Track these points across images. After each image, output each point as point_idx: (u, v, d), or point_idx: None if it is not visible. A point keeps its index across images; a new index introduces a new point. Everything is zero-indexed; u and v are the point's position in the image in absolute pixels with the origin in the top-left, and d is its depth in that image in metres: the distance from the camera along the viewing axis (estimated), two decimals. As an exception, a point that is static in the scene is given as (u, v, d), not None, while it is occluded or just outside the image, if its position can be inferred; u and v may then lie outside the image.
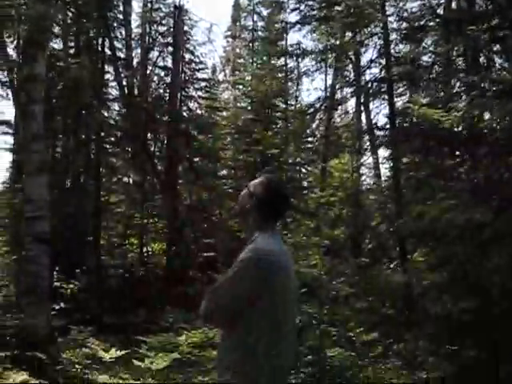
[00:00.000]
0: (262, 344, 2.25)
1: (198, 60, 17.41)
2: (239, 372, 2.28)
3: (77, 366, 7.50)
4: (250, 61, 20.98)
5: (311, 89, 40.53)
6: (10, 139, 18.84)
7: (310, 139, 17.48)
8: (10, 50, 19.74)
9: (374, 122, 14.08)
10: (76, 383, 6.91)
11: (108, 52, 15.86)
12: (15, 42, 14.91)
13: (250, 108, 16.99)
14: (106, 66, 16.19)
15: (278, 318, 2.28)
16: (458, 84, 9.79)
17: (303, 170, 17.95)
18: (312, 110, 13.75)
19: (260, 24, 21.52)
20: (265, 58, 18.00)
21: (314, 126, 16.58)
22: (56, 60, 13.98)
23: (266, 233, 2.37)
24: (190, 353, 7.65)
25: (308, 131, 16.28)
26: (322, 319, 6.20)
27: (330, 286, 7.10)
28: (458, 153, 7.81)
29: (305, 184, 17.88)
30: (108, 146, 16.11)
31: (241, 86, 19.72)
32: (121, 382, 7.23)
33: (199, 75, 17.81)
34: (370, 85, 12.42)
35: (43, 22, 7.20)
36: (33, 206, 7.82)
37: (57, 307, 9.45)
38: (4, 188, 18.80)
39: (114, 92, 16.86)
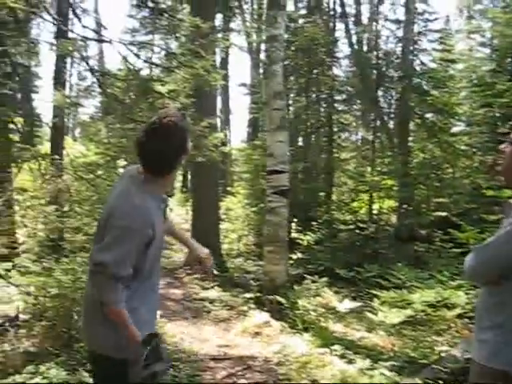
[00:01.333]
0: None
1: (431, 10, 16.46)
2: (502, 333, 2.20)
3: (312, 313, 7.88)
4: (490, 5, 19.21)
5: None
6: (247, 99, 20.22)
7: None
8: (248, 16, 21.07)
9: None
10: (313, 329, 7.28)
11: (338, 9, 15.90)
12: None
13: (491, 57, 15.58)
14: (336, 24, 16.29)
15: None
16: None
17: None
18: None
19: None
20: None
21: None
22: (290, 20, 14.47)
23: None
24: (423, 311, 7.51)
25: None
26: None
27: None
28: None
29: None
30: (339, 104, 16.32)
31: (478, 36, 18.17)
32: (354, 332, 7.43)
33: (432, 26, 16.86)
34: None
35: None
36: (274, 161, 8.32)
37: (294, 257, 10.05)
38: (243, 145, 20.37)
39: (345, 49, 16.89)
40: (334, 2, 15.67)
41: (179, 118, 2.58)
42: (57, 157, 9.16)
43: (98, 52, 33.76)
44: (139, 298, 2.62)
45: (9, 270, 7.84)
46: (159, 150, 2.52)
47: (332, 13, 15.90)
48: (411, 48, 15.80)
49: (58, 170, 7.95)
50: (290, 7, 16.29)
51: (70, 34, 7.29)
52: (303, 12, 16.73)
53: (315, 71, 15.13)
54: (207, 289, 10.42)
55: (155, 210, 2.61)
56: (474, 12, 22.81)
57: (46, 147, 12.78)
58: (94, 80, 7.51)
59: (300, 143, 16.16)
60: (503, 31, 13.19)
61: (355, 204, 14.51)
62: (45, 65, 57.26)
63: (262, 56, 18.05)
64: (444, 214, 13.66)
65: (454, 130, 16.80)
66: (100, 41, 8.62)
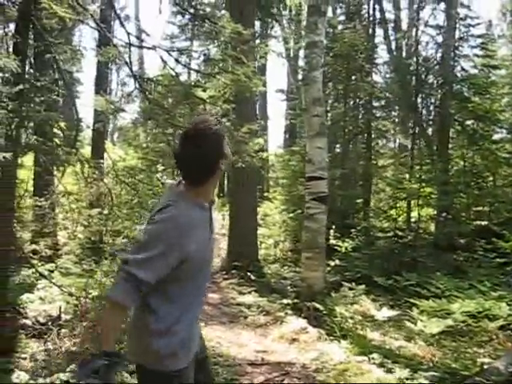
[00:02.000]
0: None
1: (473, 15, 16.18)
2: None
3: (349, 320, 7.83)
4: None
5: None
6: (283, 105, 20.29)
7: None
8: (286, 22, 21.11)
9: None
10: (351, 336, 7.23)
11: (377, 15, 15.82)
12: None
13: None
14: (375, 30, 16.21)
15: None
16: None
17: None
18: None
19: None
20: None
21: None
22: (329, 26, 14.48)
23: None
24: (464, 321, 7.38)
25: None
26: None
27: None
28: None
29: None
30: (377, 110, 16.22)
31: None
32: (393, 340, 7.35)
33: (474, 31, 16.57)
34: None
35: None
36: (313, 167, 8.33)
37: (331, 263, 10.00)
38: (281, 150, 20.43)
39: (384, 55, 16.79)
40: (374, 8, 15.61)
41: (213, 124, 2.52)
42: (101, 161, 9.36)
43: (138, 58, 34.33)
44: (182, 311, 2.59)
45: (52, 271, 8.04)
46: (193, 156, 2.47)
47: (371, 19, 15.81)
48: (452, 54, 15.57)
49: (100, 174, 8.12)
50: (329, 13, 16.29)
51: (114, 41, 7.43)
52: (342, 18, 16.71)
53: (354, 77, 15.07)
54: (244, 294, 10.47)
55: (198, 221, 2.55)
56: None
57: (86, 151, 13.08)
58: (136, 85, 7.61)
59: (338, 149, 16.09)
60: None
61: (393, 211, 14.35)
62: (86, 70, 58.65)
63: (301, 62, 18.09)
64: (484, 222, 13.42)
65: (496, 137, 16.48)
66: (144, 47, 8.75)
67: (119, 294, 2.40)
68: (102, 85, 11.73)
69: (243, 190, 12.82)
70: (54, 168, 9.00)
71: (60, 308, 6.84)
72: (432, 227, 14.85)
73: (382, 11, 15.83)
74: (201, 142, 2.47)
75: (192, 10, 8.88)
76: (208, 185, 2.61)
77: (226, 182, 25.23)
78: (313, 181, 8.38)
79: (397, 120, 17.60)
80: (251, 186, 12.95)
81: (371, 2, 15.54)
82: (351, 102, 15.95)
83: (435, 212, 14.52)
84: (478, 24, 16.61)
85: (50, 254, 8.54)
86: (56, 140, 7.58)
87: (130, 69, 7.33)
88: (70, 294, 6.83)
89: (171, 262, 2.43)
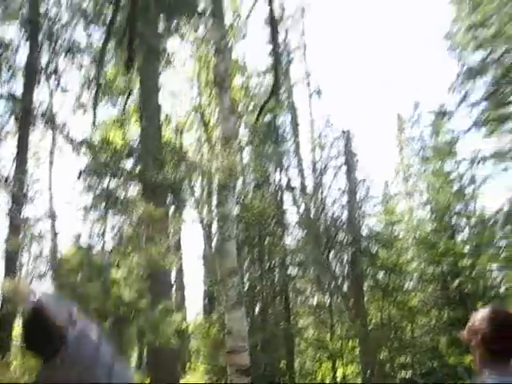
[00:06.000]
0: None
1: (370, 177, 17.67)
2: None
3: None
4: (423, 169, 20.74)
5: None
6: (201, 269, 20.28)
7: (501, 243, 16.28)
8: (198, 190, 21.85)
9: None
10: None
11: (284, 182, 16.85)
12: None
13: (430, 217, 16.54)
14: (283, 195, 17.13)
15: None
16: None
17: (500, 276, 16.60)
18: (501, 216, 12.92)
19: (426, 132, 21.45)
20: (438, 165, 17.67)
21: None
22: (239, 196, 15.16)
23: (494, 371, 2.16)
24: None
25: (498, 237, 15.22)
26: None
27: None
28: None
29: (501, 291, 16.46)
30: (292, 270, 16.59)
31: (417, 197, 19.41)
32: None
33: (373, 191, 17.97)
34: None
35: (234, 169, 7.98)
36: (233, 338, 8.20)
37: None
38: (201, 317, 20.02)
39: (295, 217, 17.58)
40: (281, 176, 16.65)
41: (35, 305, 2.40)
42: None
43: (51, 235, 33.61)
44: None
45: None
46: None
47: (279, 186, 16.78)
48: (356, 213, 16.62)
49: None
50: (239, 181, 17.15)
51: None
52: (252, 185, 17.56)
53: (267, 241, 15.54)
54: None
55: None
56: (408, 175, 24.46)
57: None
58: (47, 267, 7.46)
59: (257, 313, 16.01)
60: (437, 197, 14.18)
61: (318, 372, 14.14)
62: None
63: (215, 227, 18.46)
64: (408, 375, 13.45)
65: (407, 286, 17.15)
66: (54, 233, 8.73)
67: None
68: (11, 268, 11.35)
69: (162, 365, 12.21)
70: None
71: None
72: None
73: (288, 178, 16.88)
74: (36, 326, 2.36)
75: (104, 189, 9.07)
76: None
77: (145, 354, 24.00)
78: (234, 354, 8.20)
79: (312, 277, 17.99)
80: (170, 360, 12.38)
81: (277, 171, 16.62)
82: (267, 265, 16.24)
83: (361, 367, 14.44)
84: (376, 185, 18.14)
85: None
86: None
87: (41, 253, 7.22)
88: None
89: None
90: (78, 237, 8.25)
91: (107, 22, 10.34)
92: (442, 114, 15.15)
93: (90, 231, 14.41)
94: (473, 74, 12.46)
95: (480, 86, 12.76)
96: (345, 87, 39.50)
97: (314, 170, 18.44)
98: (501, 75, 11.75)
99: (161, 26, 11.14)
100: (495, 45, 11.43)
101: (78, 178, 7.30)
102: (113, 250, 8.47)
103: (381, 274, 16.50)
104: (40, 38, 11.54)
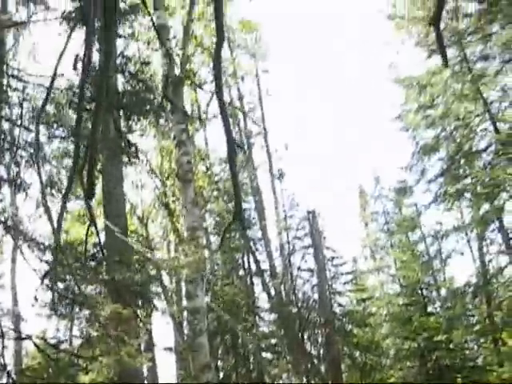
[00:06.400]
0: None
1: (339, 255, 17.77)
2: None
3: None
4: (389, 243, 20.99)
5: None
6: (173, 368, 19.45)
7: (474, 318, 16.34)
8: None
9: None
10: None
11: (253, 266, 16.77)
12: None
13: (401, 290, 16.59)
14: (253, 280, 16.99)
15: None
16: None
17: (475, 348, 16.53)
18: (470, 288, 13.01)
19: (389, 207, 21.85)
20: (403, 239, 17.95)
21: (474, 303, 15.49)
22: (209, 283, 14.96)
23: None
24: None
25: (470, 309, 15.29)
26: None
27: None
28: None
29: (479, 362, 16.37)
30: (267, 355, 16.20)
31: (385, 271, 19.59)
32: None
33: (342, 269, 18.03)
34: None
35: (201, 264, 7.93)
36: None
37: None
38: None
39: (266, 302, 17.36)
40: (249, 261, 16.57)
41: None
42: None
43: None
44: None
45: None
46: None
47: (248, 270, 16.68)
48: (327, 293, 16.55)
49: None
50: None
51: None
52: (222, 272, 17.37)
53: (239, 328, 15.24)
54: None
55: None
56: (376, 249, 24.66)
57: None
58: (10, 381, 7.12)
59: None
60: (405, 271, 14.33)
61: None
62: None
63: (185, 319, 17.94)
64: None
65: (385, 362, 16.87)
66: (19, 338, 8.40)
67: None
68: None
69: None
70: None
71: None
72: None
73: (256, 262, 16.79)
74: None
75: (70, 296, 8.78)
76: None
77: None
78: None
79: (288, 360, 17.57)
80: None
81: (245, 256, 16.58)
82: (241, 352, 15.84)
83: None
84: (344, 263, 18.20)
85: None
86: None
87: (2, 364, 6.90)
88: None
89: None
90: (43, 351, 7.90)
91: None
92: (402, 190, 15.56)
93: (56, 331, 13.89)
94: (427, 150, 12.96)
95: (436, 162, 13.26)
96: (307, 165, 40.44)
97: (282, 252, 18.45)
98: (454, 151, 12.26)
99: (122, 124, 11.28)
100: (445, 123, 12.00)
101: (42, 282, 7.11)
102: (79, 351, 8.14)
103: (357, 353, 16.28)
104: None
